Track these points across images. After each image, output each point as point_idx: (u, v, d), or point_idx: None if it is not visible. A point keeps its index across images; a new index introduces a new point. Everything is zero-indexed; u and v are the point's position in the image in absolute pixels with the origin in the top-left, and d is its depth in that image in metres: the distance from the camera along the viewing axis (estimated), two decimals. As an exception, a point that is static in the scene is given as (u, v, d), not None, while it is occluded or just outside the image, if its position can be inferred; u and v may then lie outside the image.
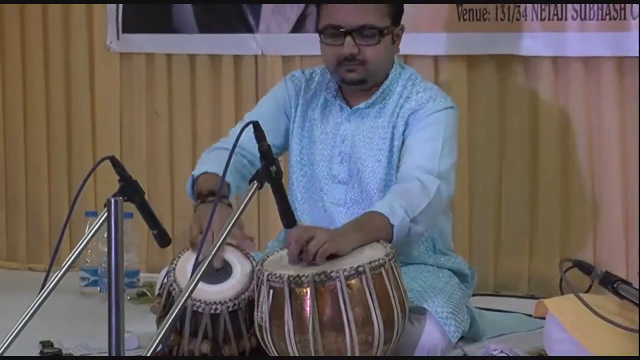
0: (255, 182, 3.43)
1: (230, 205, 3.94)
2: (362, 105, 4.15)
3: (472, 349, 4.10)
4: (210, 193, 3.94)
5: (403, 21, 4.17)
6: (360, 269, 3.60)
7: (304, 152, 4.24)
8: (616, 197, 4.89)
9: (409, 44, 4.33)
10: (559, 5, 4.82)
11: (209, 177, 4.02)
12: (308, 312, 3.58)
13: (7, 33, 5.95)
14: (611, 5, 4.73)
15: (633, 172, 4.85)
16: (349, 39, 4.01)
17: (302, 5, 5.28)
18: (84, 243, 3.45)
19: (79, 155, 5.84)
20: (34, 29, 5.90)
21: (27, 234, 5.97)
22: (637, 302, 2.82)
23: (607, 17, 4.76)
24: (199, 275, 3.23)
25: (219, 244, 3.29)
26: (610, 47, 4.80)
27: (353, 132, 4.16)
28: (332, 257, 3.69)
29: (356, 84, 4.10)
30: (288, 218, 3.65)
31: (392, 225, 3.79)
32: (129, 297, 4.89)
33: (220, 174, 3.53)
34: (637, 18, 4.68)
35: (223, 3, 5.46)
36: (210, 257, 3.24)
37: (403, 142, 4.09)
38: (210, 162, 4.09)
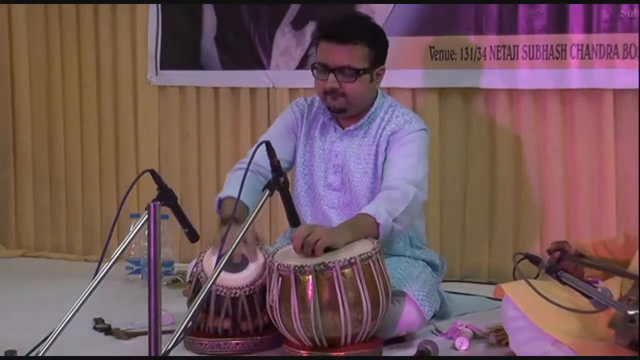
0: (267, 190, 3.45)
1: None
2: (352, 127, 4.17)
3: (443, 325, 4.09)
4: (225, 219, 3.95)
5: (387, 61, 4.18)
6: (352, 260, 3.61)
7: (305, 164, 4.25)
8: (559, 202, 4.89)
9: (391, 78, 4.34)
10: (512, 47, 4.83)
11: (228, 203, 4.02)
12: (310, 295, 3.59)
13: (67, 69, 5.95)
14: (554, 46, 4.73)
15: (573, 182, 4.85)
16: (332, 75, 4.03)
17: (306, 47, 5.28)
18: (129, 239, 3.46)
19: (124, 168, 5.83)
20: (89, 66, 5.90)
21: (83, 231, 5.96)
22: (576, 287, 2.82)
23: (551, 56, 4.76)
24: (221, 265, 3.24)
25: (237, 240, 3.30)
26: (553, 81, 4.80)
27: (345, 148, 4.17)
28: (329, 250, 3.70)
29: (338, 112, 4.13)
30: (293, 218, 3.65)
31: (378, 224, 3.80)
32: (165, 283, 4.89)
33: (240, 197, 3.55)
34: (577, 57, 4.69)
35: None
36: (230, 251, 3.25)
37: (385, 157, 4.10)
38: (232, 184, 4.08)
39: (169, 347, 3.02)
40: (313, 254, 3.65)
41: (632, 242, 3.60)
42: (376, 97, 4.19)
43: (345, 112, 4.12)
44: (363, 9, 5.02)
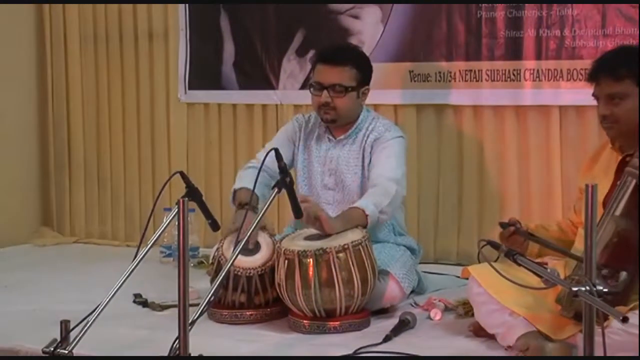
0: (276, 188, 3.45)
1: (255, 209, 3.92)
2: (342, 137, 4.18)
3: (420, 299, 4.09)
4: (242, 204, 3.96)
5: (373, 83, 4.19)
6: (346, 246, 3.61)
7: (305, 168, 4.25)
8: (515, 198, 4.88)
9: (377, 96, 4.36)
10: (477, 71, 4.82)
11: (243, 192, 4.05)
12: (311, 275, 3.59)
13: (112, 89, 5.93)
14: (511, 71, 4.73)
15: (526, 181, 4.85)
16: (325, 92, 4.05)
17: (307, 71, 5.26)
18: (162, 228, 3.45)
19: (159, 169, 5.81)
20: (130, 87, 5.89)
21: (125, 221, 5.94)
22: (529, 268, 2.80)
23: (509, 79, 4.77)
24: (238, 250, 3.23)
25: (251, 230, 3.29)
26: (510, 99, 4.80)
27: (337, 155, 4.18)
28: (327, 236, 3.69)
29: (329, 122, 4.15)
30: (297, 211, 3.65)
31: (367, 215, 3.80)
32: (192, 265, 4.87)
33: (251, 188, 3.62)
34: (529, 79, 4.69)
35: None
36: (245, 238, 3.24)
37: (370, 160, 4.10)
38: (245, 179, 4.10)
39: (195, 317, 3.01)
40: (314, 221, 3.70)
41: (563, 232, 3.62)
42: (361, 111, 4.19)
43: (336, 122, 4.13)
44: (354, 40, 5.02)
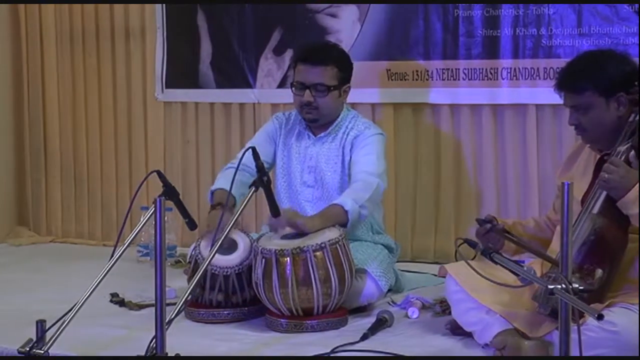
0: (253, 187, 3.45)
1: (231, 211, 3.91)
2: (322, 134, 4.18)
3: (397, 297, 4.10)
4: (218, 204, 3.97)
5: (352, 81, 4.19)
6: (323, 244, 3.61)
7: (284, 165, 4.24)
8: (492, 196, 4.89)
9: (355, 95, 4.34)
10: (454, 70, 4.83)
11: (219, 193, 4.04)
12: (288, 273, 3.58)
13: (89, 88, 5.91)
14: (488, 69, 4.74)
15: (504, 180, 4.86)
16: (307, 91, 4.05)
17: (285, 70, 5.27)
18: (139, 227, 3.44)
19: (136, 168, 5.80)
20: (107, 85, 5.87)
21: (102, 220, 5.92)
22: (506, 266, 2.81)
23: (486, 77, 4.78)
24: (215, 249, 3.22)
25: (228, 229, 3.28)
26: (487, 97, 4.81)
27: (317, 152, 4.17)
28: (304, 235, 3.69)
29: (312, 122, 4.15)
30: (274, 210, 3.65)
31: (346, 211, 3.80)
32: (169, 264, 4.86)
33: (228, 189, 3.63)
34: (506, 78, 4.70)
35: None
36: (222, 238, 3.24)
37: (350, 158, 4.11)
38: (223, 179, 4.10)
39: (172, 316, 3.00)
40: (294, 227, 3.69)
41: (540, 229, 3.63)
42: (342, 110, 4.19)
43: (318, 121, 4.14)
44: (331, 39, 5.02)
